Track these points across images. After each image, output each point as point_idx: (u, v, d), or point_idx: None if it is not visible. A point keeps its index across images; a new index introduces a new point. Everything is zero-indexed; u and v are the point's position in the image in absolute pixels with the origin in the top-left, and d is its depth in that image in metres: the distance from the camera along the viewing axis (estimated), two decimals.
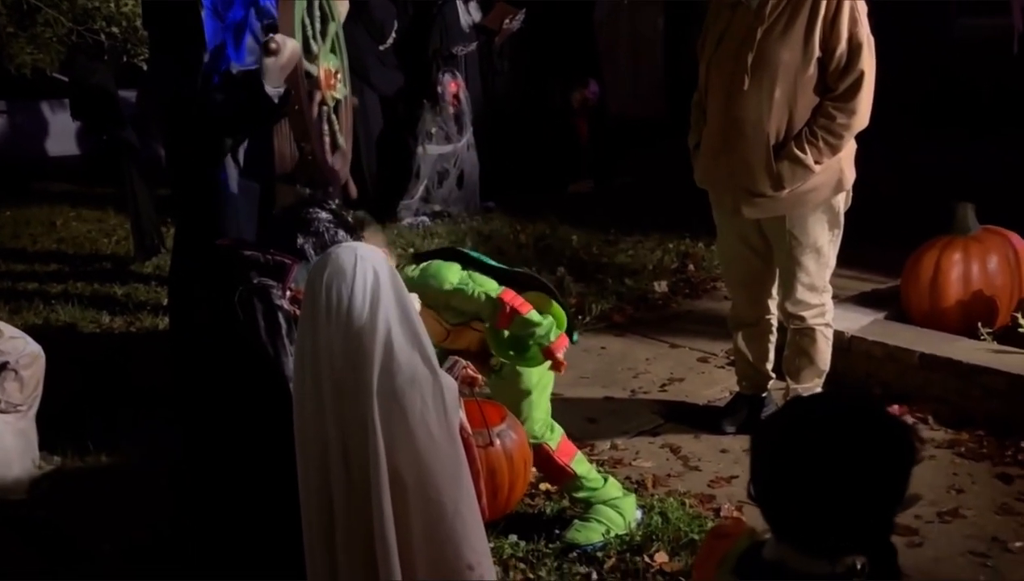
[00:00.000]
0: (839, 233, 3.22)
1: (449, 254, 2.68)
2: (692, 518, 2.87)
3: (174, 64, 3.42)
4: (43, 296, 5.09)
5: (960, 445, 3.27)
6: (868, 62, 3.02)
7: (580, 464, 2.81)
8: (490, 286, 2.57)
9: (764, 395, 3.49)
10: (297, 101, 3.39)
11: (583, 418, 3.58)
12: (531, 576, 2.66)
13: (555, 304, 2.67)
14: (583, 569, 2.69)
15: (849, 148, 3.14)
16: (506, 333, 2.58)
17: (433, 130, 6.35)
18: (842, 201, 3.20)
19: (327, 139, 3.74)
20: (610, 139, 7.36)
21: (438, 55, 6.48)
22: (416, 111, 6.41)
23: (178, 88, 3.36)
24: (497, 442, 2.45)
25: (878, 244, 4.55)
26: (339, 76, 3.81)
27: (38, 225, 6.72)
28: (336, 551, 1.98)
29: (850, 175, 3.18)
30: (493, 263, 2.67)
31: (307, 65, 3.51)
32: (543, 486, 3.06)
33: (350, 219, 2.50)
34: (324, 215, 2.44)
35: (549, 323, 2.58)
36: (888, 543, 1.26)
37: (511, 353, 2.61)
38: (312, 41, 3.59)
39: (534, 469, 2.76)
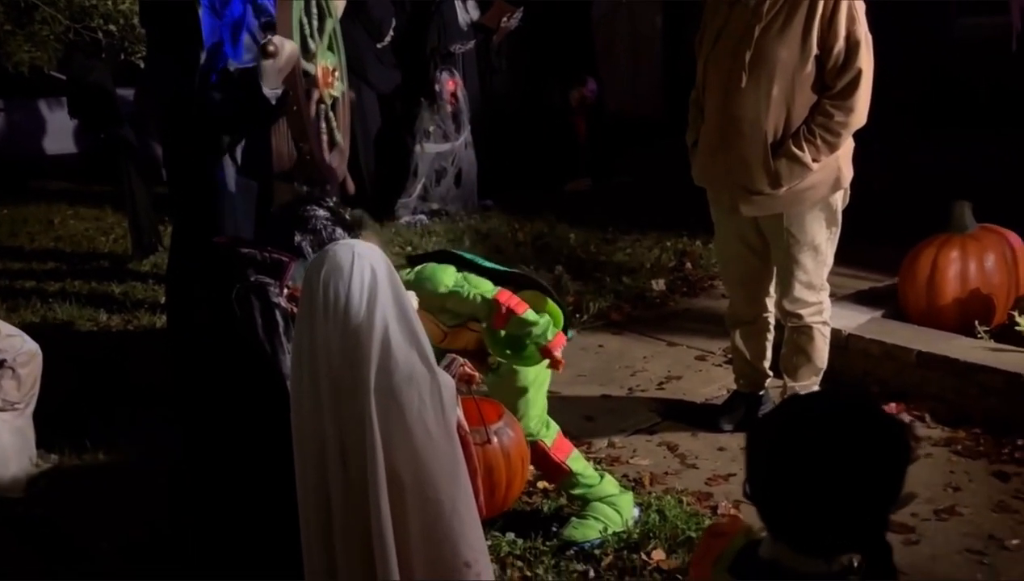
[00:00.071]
0: (837, 231, 3.22)
1: (443, 256, 2.68)
2: (689, 516, 2.87)
3: (173, 63, 3.41)
4: (40, 294, 5.08)
5: (957, 443, 3.27)
6: (866, 60, 3.02)
7: (576, 461, 2.81)
8: (485, 287, 2.57)
9: (761, 393, 3.50)
10: (295, 101, 3.39)
11: (581, 416, 3.58)
12: (528, 574, 2.66)
13: (551, 302, 2.67)
14: (580, 567, 2.69)
15: (847, 146, 3.14)
16: (503, 333, 2.58)
17: (431, 128, 6.35)
18: (840, 199, 3.20)
19: (324, 137, 3.74)
20: (608, 137, 7.36)
21: (436, 53, 6.48)
22: (414, 109, 6.41)
23: (176, 87, 3.36)
24: (495, 440, 2.45)
25: (876, 242, 4.56)
26: (337, 74, 3.81)
27: (36, 223, 6.72)
28: (334, 549, 1.98)
29: (848, 173, 3.18)
30: (488, 264, 2.67)
31: (305, 64, 3.51)
32: (541, 484, 3.06)
33: (347, 217, 2.50)
34: (322, 213, 2.44)
35: (546, 322, 2.58)
36: (883, 541, 1.26)
37: (508, 352, 2.61)
38: (310, 39, 3.58)
39: (532, 467, 2.76)
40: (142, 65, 5.24)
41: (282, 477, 2.06)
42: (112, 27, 5.33)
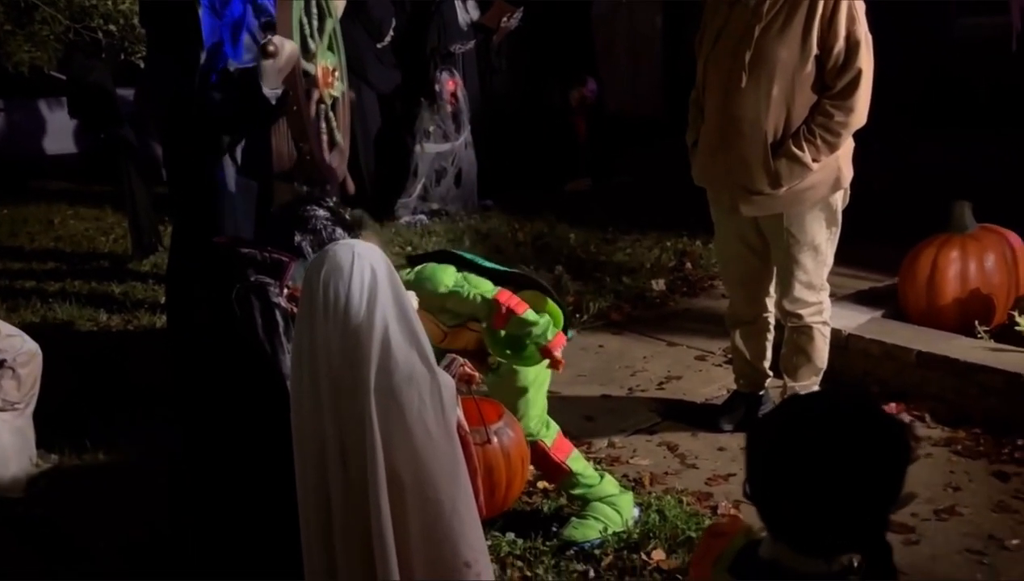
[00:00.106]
0: (837, 231, 3.22)
1: (443, 256, 2.68)
2: (689, 516, 2.88)
3: (173, 63, 3.41)
4: (41, 294, 5.08)
5: (957, 443, 3.27)
6: (866, 60, 3.02)
7: (576, 461, 2.81)
8: (485, 287, 2.57)
9: (761, 393, 3.50)
10: (295, 101, 3.39)
11: (581, 416, 3.58)
12: (528, 574, 2.66)
13: (551, 302, 2.67)
14: (580, 567, 2.69)
15: (847, 146, 3.14)
16: (503, 333, 2.58)
17: (431, 128, 6.35)
18: (840, 199, 3.20)
19: (325, 137, 3.74)
20: (608, 137, 7.36)
21: (436, 53, 6.48)
22: (414, 109, 6.41)
23: (176, 87, 3.36)
24: (495, 440, 2.45)
25: (876, 242, 4.56)
26: (337, 74, 3.81)
27: (36, 223, 6.72)
28: (334, 549, 1.98)
29: (848, 173, 3.18)
30: (487, 264, 2.67)
31: (305, 64, 3.51)
32: (541, 484, 3.06)
33: (347, 217, 2.50)
34: (322, 213, 2.44)
35: (546, 322, 2.58)
36: (884, 541, 1.26)
37: (508, 352, 2.61)
38: (310, 39, 3.58)
39: (532, 467, 2.77)
40: (142, 65, 5.24)
41: (282, 477, 2.06)
42: (112, 27, 5.33)
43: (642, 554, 2.71)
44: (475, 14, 6.80)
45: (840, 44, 3.00)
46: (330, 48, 3.79)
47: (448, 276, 2.57)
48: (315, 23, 3.62)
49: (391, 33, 6.38)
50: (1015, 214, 4.09)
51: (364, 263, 1.96)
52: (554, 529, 2.83)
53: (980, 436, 3.29)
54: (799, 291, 3.22)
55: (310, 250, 2.34)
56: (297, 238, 2.38)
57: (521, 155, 6.97)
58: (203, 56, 3.30)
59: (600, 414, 3.65)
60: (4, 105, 8.31)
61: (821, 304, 3.28)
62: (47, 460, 3.35)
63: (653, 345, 4.32)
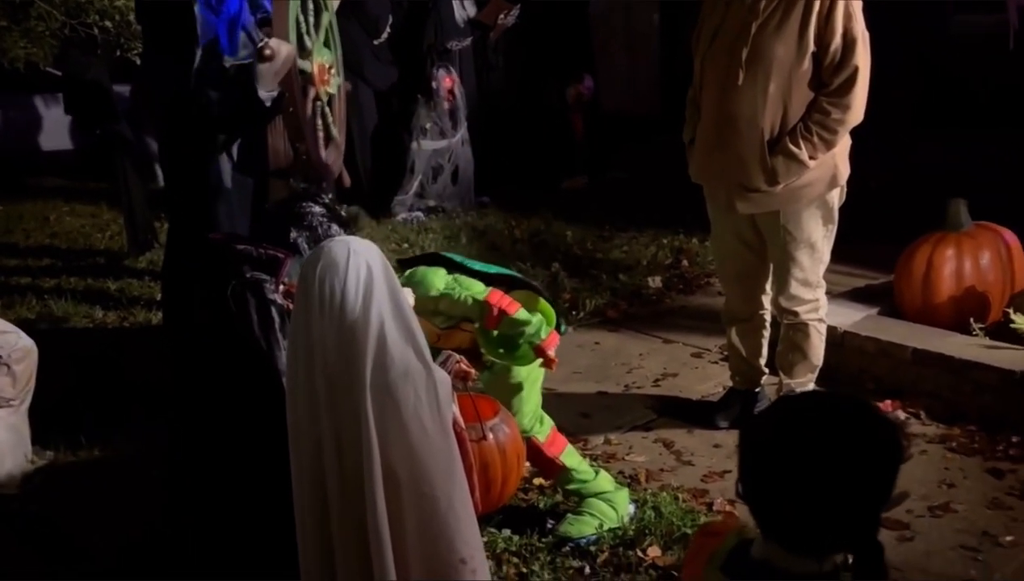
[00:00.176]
0: (833, 228, 3.23)
1: (433, 259, 2.69)
2: (685, 512, 2.88)
3: (169, 60, 3.41)
4: (36, 291, 5.07)
5: (952, 440, 3.28)
6: (862, 58, 3.03)
7: (570, 457, 2.82)
8: (476, 289, 2.57)
9: (757, 390, 3.50)
10: (291, 103, 3.39)
11: (576, 413, 3.59)
12: (524, 570, 2.67)
13: (543, 301, 2.67)
14: (576, 563, 2.69)
15: (843, 144, 3.15)
16: (495, 333, 2.59)
17: (428, 125, 6.34)
18: (836, 197, 3.21)
19: (321, 134, 3.74)
20: (605, 135, 7.36)
21: (433, 50, 6.47)
22: (411, 106, 6.40)
23: (173, 85, 3.36)
24: (490, 436, 2.45)
25: (872, 240, 4.56)
26: (333, 70, 3.81)
27: (31, 220, 6.70)
28: (330, 545, 1.98)
29: (844, 171, 3.18)
30: (477, 266, 2.67)
31: (300, 62, 3.51)
32: (536, 480, 3.06)
33: (343, 213, 2.50)
34: (317, 209, 2.44)
35: (538, 321, 2.58)
36: (875, 541, 1.26)
37: (501, 352, 2.61)
38: (306, 37, 3.58)
39: (527, 463, 2.77)
40: (138, 62, 5.23)
41: (278, 473, 2.06)
42: (108, 23, 5.31)
43: (638, 550, 2.71)
44: (472, 11, 6.79)
45: (837, 41, 3.00)
46: (326, 44, 3.79)
47: (439, 279, 2.57)
48: (311, 19, 3.62)
49: (388, 30, 6.37)
50: (1011, 212, 4.09)
51: (360, 259, 1.96)
52: (550, 525, 2.83)
53: (975, 433, 3.30)
54: (795, 288, 3.23)
55: (306, 246, 2.34)
56: (293, 234, 2.38)
57: (518, 152, 6.96)
58: (199, 53, 3.29)
59: (596, 411, 3.65)
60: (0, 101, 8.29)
61: (817, 301, 3.29)
62: (42, 457, 3.35)
63: (649, 342, 4.32)
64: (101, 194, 6.91)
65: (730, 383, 3.59)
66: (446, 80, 6.35)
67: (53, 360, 3.46)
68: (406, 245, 5.65)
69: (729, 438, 3.34)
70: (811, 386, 3.37)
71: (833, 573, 1.27)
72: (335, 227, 2.40)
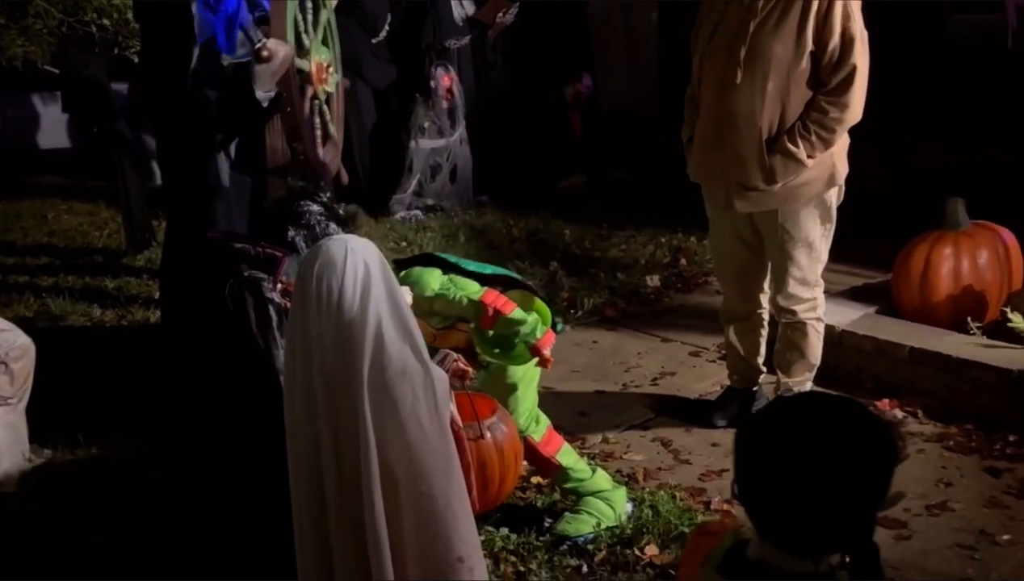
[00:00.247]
0: (831, 227, 3.23)
1: (428, 260, 2.69)
2: (682, 511, 2.88)
3: (167, 59, 3.41)
4: (34, 289, 5.07)
5: (949, 439, 3.28)
6: (861, 57, 3.03)
7: (566, 456, 2.82)
8: (471, 289, 2.57)
9: (755, 389, 3.50)
10: (289, 103, 3.39)
11: (574, 412, 3.59)
12: (522, 568, 2.67)
13: (539, 301, 2.67)
14: (574, 561, 2.69)
15: (842, 142, 3.15)
16: (491, 333, 2.59)
17: (426, 124, 6.34)
18: (834, 196, 3.21)
19: (319, 132, 3.74)
20: (603, 134, 7.35)
21: (431, 49, 6.46)
22: (409, 105, 6.39)
23: (171, 84, 3.36)
24: (488, 435, 2.45)
25: (870, 239, 4.56)
26: (331, 69, 3.80)
27: (29, 218, 6.69)
28: (327, 543, 1.98)
29: (842, 170, 3.18)
30: (471, 266, 2.67)
31: (298, 61, 3.50)
32: (534, 479, 3.06)
33: (341, 212, 2.50)
34: (315, 208, 2.44)
35: (534, 320, 2.58)
36: (871, 542, 1.26)
37: (497, 352, 2.61)
38: (304, 35, 3.58)
39: (525, 462, 2.77)
40: (136, 60, 5.22)
41: (276, 472, 2.06)
42: (106, 21, 5.30)
43: (635, 549, 2.71)
44: (470, 9, 6.78)
45: (835, 40, 3.00)
46: (324, 42, 3.79)
47: (434, 279, 2.57)
48: (309, 17, 3.61)
49: (386, 28, 6.36)
50: (1008, 211, 4.10)
51: (357, 258, 1.96)
52: (547, 524, 2.83)
53: (972, 432, 3.31)
54: (793, 287, 3.23)
55: (304, 245, 2.34)
56: (291, 233, 2.38)
57: (516, 151, 6.96)
58: (196, 52, 3.29)
59: (594, 410, 3.65)
60: None
61: (815, 300, 3.29)
62: (40, 455, 3.35)
63: (647, 341, 4.32)
64: (99, 192, 6.90)
65: (728, 382, 3.59)
66: (444, 79, 6.35)
67: (51, 358, 3.46)
68: (404, 244, 5.65)
69: (727, 437, 3.34)
70: (809, 385, 3.37)
71: (829, 573, 1.28)
72: (333, 226, 2.40)
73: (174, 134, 3.47)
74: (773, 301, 3.32)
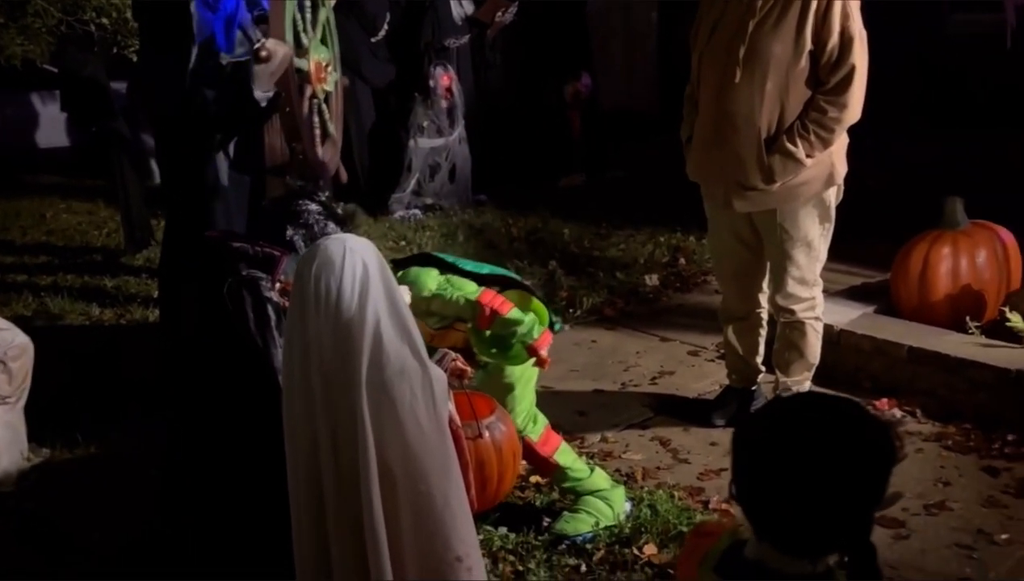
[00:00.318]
0: (830, 227, 3.23)
1: (425, 260, 2.68)
2: (681, 510, 2.88)
3: (166, 59, 3.41)
4: (32, 288, 5.07)
5: (947, 438, 3.29)
6: (860, 56, 3.03)
7: (563, 455, 2.82)
8: (469, 289, 2.57)
9: (754, 388, 3.50)
10: (288, 103, 3.39)
11: (573, 411, 3.59)
12: (520, 568, 2.67)
13: (536, 300, 2.67)
14: (572, 561, 2.69)
15: (841, 142, 3.15)
16: (488, 333, 2.59)
17: (425, 123, 6.34)
18: (833, 195, 3.21)
19: (317, 131, 3.74)
20: (602, 133, 7.35)
21: (430, 48, 6.46)
22: (408, 104, 6.39)
23: (170, 83, 3.36)
24: (486, 434, 2.45)
25: (868, 238, 4.56)
26: (329, 68, 3.81)
27: (28, 217, 6.69)
28: (325, 542, 1.98)
29: (841, 169, 3.19)
30: (468, 266, 2.67)
31: (297, 61, 3.50)
32: (533, 478, 3.06)
33: (340, 211, 2.50)
34: (314, 207, 2.44)
35: (531, 320, 2.58)
36: (868, 543, 1.26)
37: (494, 351, 2.61)
38: (303, 35, 3.58)
39: (524, 461, 2.77)
40: (135, 59, 5.22)
41: (274, 471, 2.06)
42: (105, 20, 5.30)
43: (634, 548, 2.71)
44: (469, 9, 6.78)
45: (834, 40, 3.00)
46: (323, 41, 3.79)
47: (431, 279, 2.57)
48: (308, 16, 3.61)
49: (385, 27, 6.36)
50: (1006, 210, 4.10)
51: (356, 257, 1.96)
52: (546, 523, 2.83)
53: (970, 431, 3.31)
54: (792, 287, 3.23)
55: (302, 244, 2.34)
56: (289, 232, 2.38)
57: (515, 150, 6.96)
58: (195, 51, 3.29)
59: (593, 409, 3.65)
60: None
61: (814, 300, 3.29)
62: (38, 454, 3.35)
63: (646, 340, 4.32)
64: (98, 191, 6.90)
65: (727, 381, 3.59)
66: (444, 78, 6.34)
67: (49, 357, 3.46)
68: (403, 243, 5.65)
69: (725, 436, 3.34)
70: (807, 384, 3.37)
71: (826, 574, 1.28)
72: (331, 225, 2.40)
73: (173, 133, 3.47)
74: (772, 300, 3.32)
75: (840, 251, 3.54)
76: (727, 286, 3.50)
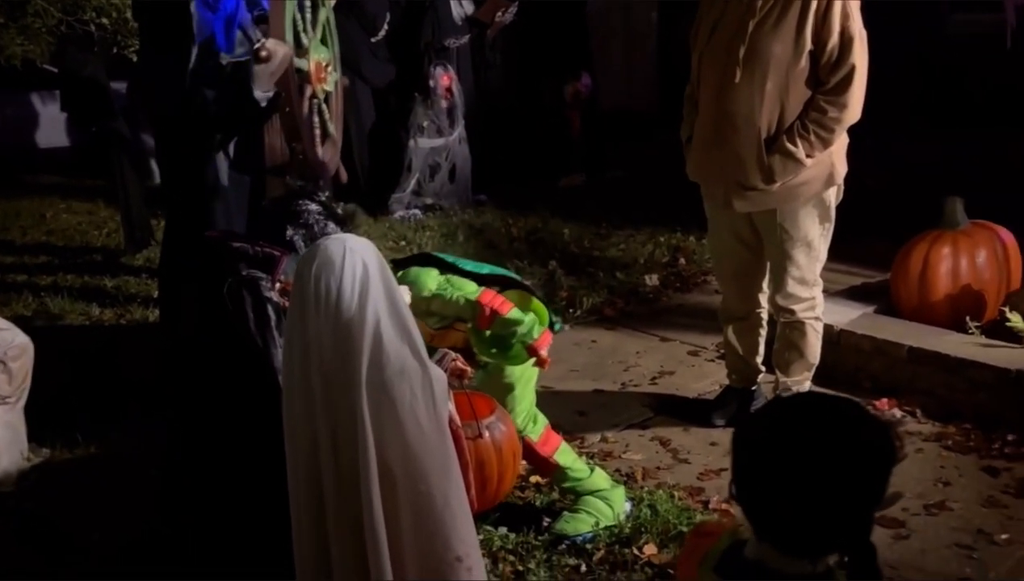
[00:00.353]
0: (830, 227, 3.23)
1: (425, 260, 2.69)
2: (681, 510, 2.88)
3: (166, 59, 3.41)
4: (32, 288, 5.07)
5: (947, 438, 3.29)
6: (860, 56, 3.03)
7: (563, 455, 2.82)
8: (469, 289, 2.57)
9: (754, 388, 3.50)
10: (288, 103, 3.40)
11: (573, 411, 3.59)
12: (520, 568, 2.67)
13: (536, 300, 2.67)
14: (572, 561, 2.69)
15: (840, 142, 3.15)
16: (488, 333, 2.59)
17: (425, 123, 6.34)
18: (833, 195, 3.21)
19: (317, 131, 3.74)
20: (602, 133, 7.36)
21: (430, 48, 6.46)
22: (408, 104, 6.39)
23: (170, 83, 3.36)
24: (486, 434, 2.45)
25: (868, 238, 4.57)
26: (329, 68, 3.81)
27: (28, 217, 6.69)
28: (325, 542, 1.98)
29: (841, 169, 3.19)
30: (468, 266, 2.67)
31: (297, 61, 3.50)
32: (533, 478, 3.06)
33: (340, 211, 2.50)
34: (314, 207, 2.44)
35: (531, 320, 2.58)
36: (868, 543, 1.26)
37: (494, 351, 2.61)
38: (303, 35, 3.58)
39: (524, 461, 2.77)
40: (135, 59, 5.22)
41: (274, 471, 2.06)
42: (105, 20, 5.30)
43: (633, 548, 2.71)
44: (469, 8, 6.78)
45: (834, 40, 3.00)
46: (323, 41, 3.79)
47: (431, 279, 2.57)
48: (308, 16, 3.61)
49: (385, 27, 6.36)
50: (1006, 210, 4.10)
51: (356, 257, 1.96)
52: (546, 523, 2.83)
53: (970, 431, 3.31)
54: (792, 287, 3.23)
55: (302, 244, 2.34)
56: (289, 232, 2.38)
57: (515, 150, 6.96)
58: (195, 51, 3.29)
59: (593, 409, 3.65)
60: None
61: (814, 300, 3.29)
62: (38, 454, 3.34)
63: (646, 340, 4.32)
64: (98, 191, 6.90)
65: (727, 381, 3.59)
66: (444, 78, 6.34)
67: (49, 357, 3.45)
68: (403, 243, 5.65)
69: (725, 436, 3.34)
70: (807, 384, 3.37)
71: (826, 574, 1.28)
72: (331, 225, 2.40)
73: (173, 133, 3.47)
74: (772, 300, 3.32)
75: (840, 251, 3.54)
76: (727, 286, 3.50)
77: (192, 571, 2.39)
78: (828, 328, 3.53)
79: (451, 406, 2.16)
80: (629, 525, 2.81)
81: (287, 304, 2.16)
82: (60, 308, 4.76)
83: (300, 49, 3.57)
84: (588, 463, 2.93)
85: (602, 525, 2.79)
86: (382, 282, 1.97)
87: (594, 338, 4.35)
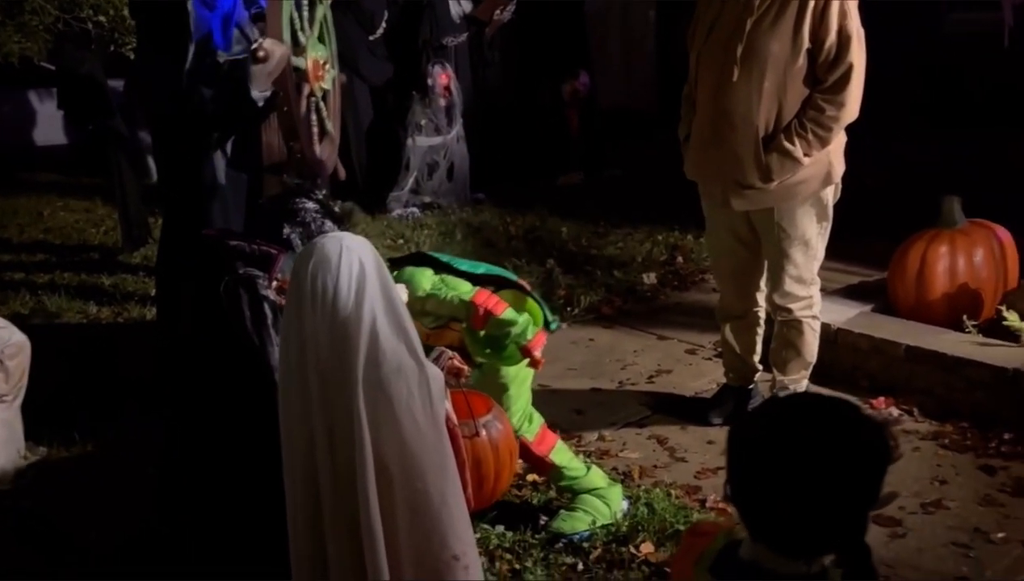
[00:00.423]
0: (828, 226, 3.23)
1: (420, 259, 2.68)
2: (678, 509, 2.89)
3: (163, 57, 3.40)
4: (30, 286, 5.06)
5: (944, 437, 3.29)
6: (857, 55, 3.03)
7: (559, 454, 2.82)
8: (463, 289, 2.57)
9: (751, 387, 3.51)
10: (285, 102, 3.39)
11: (571, 409, 3.59)
12: (517, 566, 2.67)
13: (531, 301, 2.67)
14: (569, 559, 2.70)
15: (838, 141, 3.15)
16: (482, 333, 2.58)
17: (423, 122, 6.33)
18: (831, 194, 3.21)
19: (315, 129, 3.74)
20: (600, 131, 7.36)
21: (428, 46, 6.46)
22: (406, 102, 6.39)
23: (167, 81, 3.35)
24: (483, 432, 2.46)
25: (866, 237, 4.57)
26: (327, 66, 3.80)
27: (25, 215, 6.68)
28: (322, 541, 1.98)
29: (839, 168, 3.19)
30: (463, 266, 2.67)
31: (295, 59, 3.50)
32: (530, 477, 3.06)
33: (337, 209, 2.50)
34: (311, 205, 2.44)
35: (525, 321, 2.58)
36: (863, 543, 1.26)
37: (488, 352, 2.61)
38: (300, 33, 3.57)
39: (521, 460, 2.77)
40: (132, 57, 5.22)
41: (271, 469, 2.06)
42: (102, 18, 5.29)
43: (630, 547, 2.72)
44: (468, 7, 6.78)
45: (832, 38, 3.00)
46: (321, 39, 3.78)
47: (426, 279, 2.56)
48: (305, 14, 3.61)
49: (383, 25, 6.35)
50: (1004, 209, 4.10)
51: (352, 256, 1.96)
52: (543, 522, 2.83)
53: (967, 430, 3.31)
54: (789, 285, 3.23)
55: (299, 242, 2.34)
56: (286, 230, 2.38)
57: (513, 149, 6.96)
58: (192, 49, 3.29)
59: (590, 407, 3.66)
60: None
61: (811, 298, 3.29)
62: (35, 452, 3.34)
63: (644, 339, 4.32)
64: (95, 189, 6.89)
65: (724, 380, 3.59)
66: (442, 76, 6.34)
67: (46, 355, 3.45)
68: (401, 241, 5.65)
69: (722, 435, 3.32)
70: (805, 383, 3.37)
71: (821, 574, 1.28)
72: (328, 223, 2.40)
73: (170, 131, 3.47)
74: (769, 299, 3.32)
75: (837, 250, 3.55)
76: (725, 285, 3.50)
77: (189, 569, 2.39)
78: (825, 327, 3.53)
79: (448, 404, 2.16)
80: (626, 523, 2.81)
81: (284, 302, 2.16)
82: (57, 306, 4.75)
83: (298, 47, 3.56)
84: (585, 461, 2.94)
85: (599, 524, 2.79)
86: (379, 280, 1.97)
87: (592, 336, 4.35)
